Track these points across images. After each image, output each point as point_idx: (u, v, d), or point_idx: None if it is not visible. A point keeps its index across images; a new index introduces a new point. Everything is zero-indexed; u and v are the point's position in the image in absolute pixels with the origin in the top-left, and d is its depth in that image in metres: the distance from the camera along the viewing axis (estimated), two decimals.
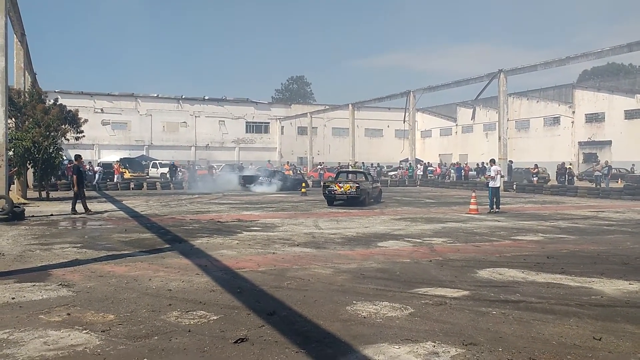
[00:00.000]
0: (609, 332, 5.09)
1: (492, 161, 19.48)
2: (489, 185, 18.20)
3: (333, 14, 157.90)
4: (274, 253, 9.60)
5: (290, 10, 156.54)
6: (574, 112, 54.00)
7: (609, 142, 50.00)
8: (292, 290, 6.70)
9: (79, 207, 16.74)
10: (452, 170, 46.47)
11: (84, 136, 25.93)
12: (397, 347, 4.62)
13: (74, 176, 17.33)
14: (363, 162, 50.90)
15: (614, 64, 77.15)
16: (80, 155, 18.57)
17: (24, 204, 19.09)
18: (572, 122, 54.01)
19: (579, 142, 53.40)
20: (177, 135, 62.91)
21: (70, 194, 23.23)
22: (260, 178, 31.61)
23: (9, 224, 13.75)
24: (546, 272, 7.99)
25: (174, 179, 36.62)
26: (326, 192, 20.61)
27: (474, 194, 18.67)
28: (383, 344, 4.68)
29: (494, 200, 17.84)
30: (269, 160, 55.71)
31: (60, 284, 6.93)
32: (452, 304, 6.05)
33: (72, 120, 24.63)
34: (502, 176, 19.49)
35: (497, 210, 17.74)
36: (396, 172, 50.17)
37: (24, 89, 25.37)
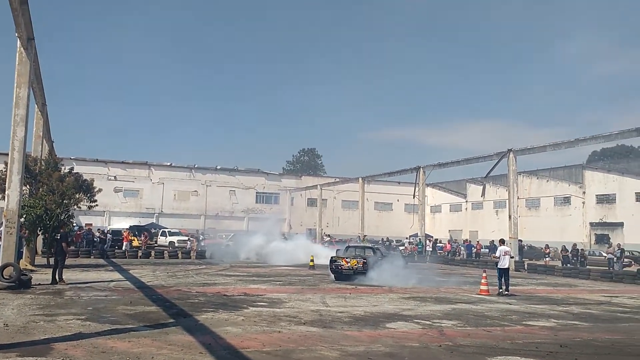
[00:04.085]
0: None
1: (502, 241, 19.28)
2: (497, 266, 17.95)
3: (346, 90, 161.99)
4: (279, 332, 9.43)
5: (304, 84, 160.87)
6: (584, 193, 54.02)
7: (621, 224, 49.73)
8: None
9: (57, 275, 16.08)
10: (462, 248, 46.00)
11: (97, 205, 26.23)
12: None
13: (63, 244, 16.60)
14: (365, 236, 50.03)
15: (623, 145, 77.66)
16: (65, 223, 18.83)
17: (32, 271, 19.05)
18: (583, 203, 53.92)
19: (590, 223, 53.07)
20: (187, 203, 63.38)
21: (78, 261, 23.17)
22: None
23: (15, 292, 13.68)
24: None
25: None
26: (333, 266, 20.40)
27: (484, 274, 18.39)
28: None
29: (502, 281, 17.53)
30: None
31: None
32: None
33: (87, 189, 24.97)
34: (511, 257, 19.19)
35: (507, 292, 17.38)
36: (404, 247, 49.66)
37: (41, 156, 25.89)
